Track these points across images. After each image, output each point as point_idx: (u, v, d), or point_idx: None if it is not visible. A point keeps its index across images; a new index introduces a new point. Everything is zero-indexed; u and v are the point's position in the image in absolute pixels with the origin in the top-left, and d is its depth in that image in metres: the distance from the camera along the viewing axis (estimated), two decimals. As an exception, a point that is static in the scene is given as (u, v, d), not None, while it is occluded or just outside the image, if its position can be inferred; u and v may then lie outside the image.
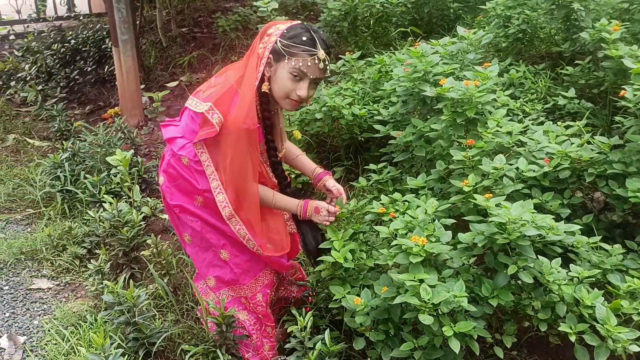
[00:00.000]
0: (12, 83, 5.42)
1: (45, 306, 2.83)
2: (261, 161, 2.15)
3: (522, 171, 2.20)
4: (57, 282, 3.01)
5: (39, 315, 2.76)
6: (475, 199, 1.94)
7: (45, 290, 2.95)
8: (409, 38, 4.26)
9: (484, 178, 2.22)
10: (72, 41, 6.32)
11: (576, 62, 3.14)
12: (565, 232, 1.93)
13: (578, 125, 2.72)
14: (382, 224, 2.23)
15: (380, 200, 2.29)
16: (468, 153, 2.21)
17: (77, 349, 2.42)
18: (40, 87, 5.31)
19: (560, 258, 2.03)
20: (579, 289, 1.92)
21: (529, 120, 2.93)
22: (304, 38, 1.96)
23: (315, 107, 3.30)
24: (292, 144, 2.43)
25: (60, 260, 3.11)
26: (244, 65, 2.07)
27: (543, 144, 2.44)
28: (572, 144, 2.47)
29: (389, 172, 2.78)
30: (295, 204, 2.20)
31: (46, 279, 3.03)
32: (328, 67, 2.06)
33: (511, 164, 2.27)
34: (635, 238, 2.31)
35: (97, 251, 3.02)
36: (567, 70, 3.14)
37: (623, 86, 2.33)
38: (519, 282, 1.99)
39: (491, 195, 1.92)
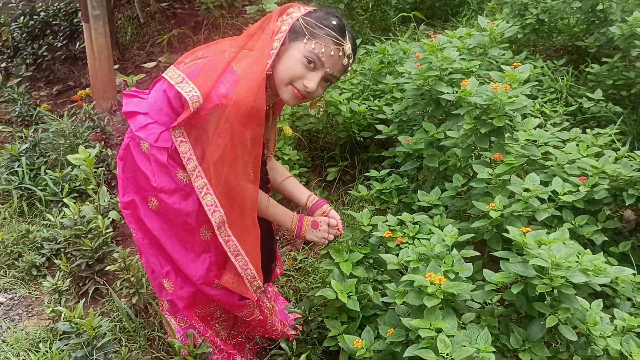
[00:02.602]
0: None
1: (-6, 325, 2.45)
2: None
3: (559, 194, 1.86)
4: (10, 296, 2.63)
5: (-15, 336, 2.39)
6: (507, 232, 1.60)
7: (-4, 305, 2.58)
8: (411, 24, 3.88)
9: (511, 200, 1.88)
10: (42, 13, 5.82)
11: (603, 59, 2.80)
12: (618, 273, 1.61)
13: (609, 134, 2.40)
14: (386, 250, 1.89)
15: (386, 220, 1.94)
16: (494, 170, 1.87)
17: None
18: (3, 65, 4.83)
19: (601, 300, 1.72)
20: (627, 341, 1.61)
21: (550, 124, 2.60)
22: (335, 22, 1.61)
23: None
24: (279, 164, 2.05)
25: (15, 269, 2.72)
26: (244, 42, 1.68)
27: (574, 156, 2.11)
28: (609, 158, 2.15)
29: (393, 182, 2.43)
30: (290, 216, 1.85)
31: (-2, 292, 2.65)
32: (349, 68, 1.71)
33: (543, 184, 1.94)
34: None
35: (56, 261, 2.64)
36: (592, 68, 2.80)
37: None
38: (554, 331, 1.67)
39: (529, 229, 1.58)
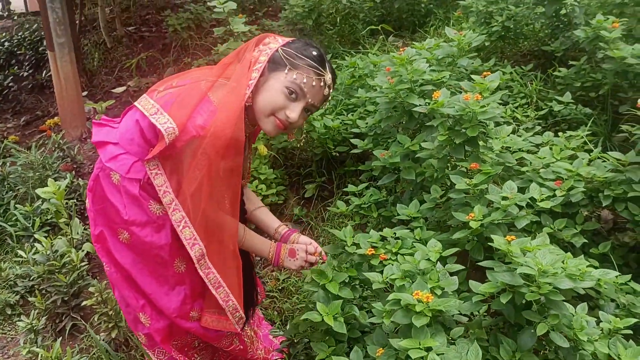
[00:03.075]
0: None
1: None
2: None
3: (536, 201, 1.87)
4: (-12, 338, 2.54)
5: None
6: (489, 241, 1.59)
7: (-30, 349, 2.48)
8: (380, 36, 3.89)
9: (490, 209, 1.88)
10: (6, 43, 5.74)
11: (570, 62, 2.84)
12: (603, 276, 1.61)
13: (581, 136, 2.42)
14: (369, 267, 1.86)
15: (370, 237, 1.92)
16: (472, 180, 1.86)
17: None
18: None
19: (585, 303, 1.72)
20: (614, 343, 1.60)
21: (523, 129, 2.61)
22: (315, 53, 1.61)
23: (282, 118, 2.90)
24: (252, 192, 2.02)
25: (-13, 310, 2.63)
26: (220, 71, 1.66)
27: (548, 161, 2.12)
28: (583, 160, 2.16)
29: (372, 195, 2.41)
30: (267, 246, 1.80)
31: (-29, 335, 2.55)
32: (329, 98, 1.70)
33: (520, 190, 1.94)
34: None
35: (31, 298, 2.55)
36: (559, 71, 2.84)
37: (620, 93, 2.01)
38: (542, 339, 1.65)
39: (514, 237, 1.57)
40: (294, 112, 1.61)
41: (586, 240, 2.00)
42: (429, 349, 1.49)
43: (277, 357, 2.16)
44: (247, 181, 1.94)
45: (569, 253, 1.64)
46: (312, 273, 1.82)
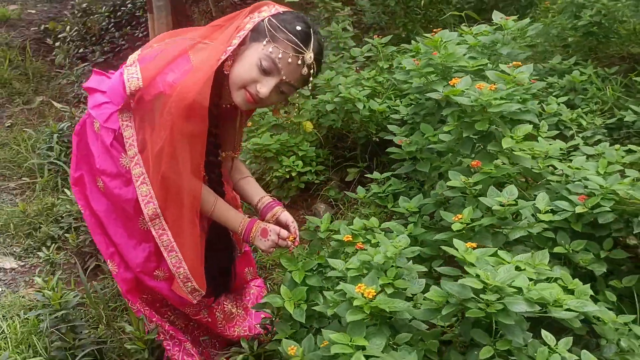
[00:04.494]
0: (57, 44, 5.28)
1: (1, 289, 2.58)
2: None
3: (540, 211, 1.63)
4: (24, 263, 2.77)
5: (-11, 298, 2.52)
6: (453, 246, 1.41)
7: (9, 270, 2.71)
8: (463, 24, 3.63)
9: (487, 214, 1.67)
10: (129, 5, 6.17)
11: (657, 68, 2.44)
12: (579, 309, 1.37)
13: (643, 151, 2.07)
14: (345, 256, 1.75)
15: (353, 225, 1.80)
16: (468, 179, 1.67)
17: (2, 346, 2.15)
18: (81, 50, 5.15)
19: (571, 338, 1.47)
20: (587, 390, 1.36)
21: (581, 137, 2.30)
22: (298, 27, 1.53)
23: (329, 96, 2.81)
24: (242, 163, 1.96)
25: (32, 239, 2.86)
26: (208, 33, 1.64)
27: (583, 174, 1.84)
28: (627, 177, 1.86)
29: (390, 185, 2.27)
30: (239, 219, 1.75)
31: (13, 258, 2.79)
32: (310, 79, 1.60)
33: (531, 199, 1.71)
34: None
35: (67, 234, 2.74)
36: (643, 77, 2.46)
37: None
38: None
39: (475, 245, 1.38)
40: (264, 87, 1.54)
41: (605, 270, 1.71)
42: (363, 348, 1.37)
43: (259, 333, 2.12)
44: (236, 153, 1.89)
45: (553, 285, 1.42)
46: (282, 258, 1.74)
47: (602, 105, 2.55)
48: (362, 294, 1.40)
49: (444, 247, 1.40)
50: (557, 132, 2.32)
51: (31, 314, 2.11)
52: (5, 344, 2.17)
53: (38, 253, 2.53)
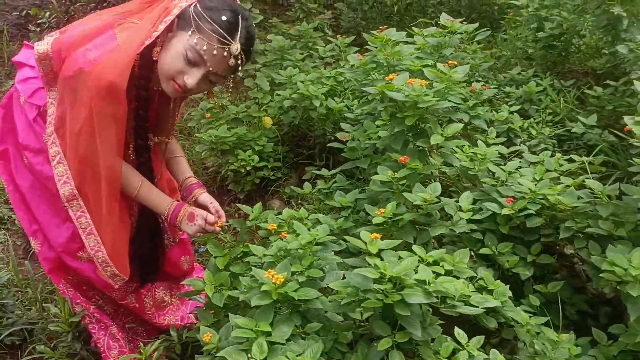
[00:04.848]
0: (34, 27, 5.24)
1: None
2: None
3: (462, 209, 1.63)
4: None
5: None
6: (360, 237, 1.40)
7: (-50, 248, 2.68)
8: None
9: (412, 210, 1.67)
10: (116, -3, 6.15)
11: (607, 82, 2.46)
12: (482, 304, 1.37)
13: (583, 162, 2.08)
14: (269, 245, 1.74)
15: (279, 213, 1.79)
16: (394, 174, 1.67)
17: None
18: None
19: (484, 336, 1.47)
20: (490, 388, 1.36)
21: (527, 145, 2.31)
22: (224, 17, 1.49)
23: (288, 92, 2.81)
24: (176, 143, 1.94)
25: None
26: (138, 9, 1.60)
27: (517, 179, 1.85)
28: (560, 183, 1.87)
29: (335, 182, 2.26)
30: (166, 202, 1.71)
31: (-43, 237, 2.76)
32: (240, 69, 1.58)
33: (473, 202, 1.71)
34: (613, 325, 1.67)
35: (14, 215, 2.72)
36: (595, 91, 2.47)
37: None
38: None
39: (379, 235, 1.37)
40: (191, 78, 1.52)
41: (528, 273, 1.72)
42: (267, 334, 1.36)
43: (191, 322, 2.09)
44: (168, 137, 1.86)
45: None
46: (209, 244, 1.72)
47: (554, 117, 2.57)
48: (272, 280, 1.39)
49: (346, 237, 1.39)
50: (506, 139, 2.33)
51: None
52: None
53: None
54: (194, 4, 1.51)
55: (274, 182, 3.00)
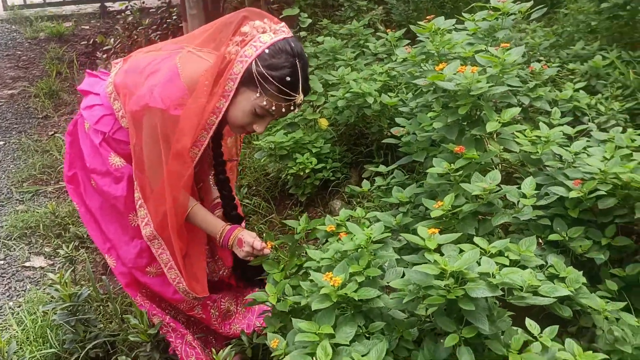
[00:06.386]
0: (102, 56, 5.53)
1: (29, 286, 2.72)
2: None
3: (525, 195, 1.55)
4: (52, 262, 2.90)
5: (18, 295, 2.66)
6: (417, 233, 1.36)
7: (37, 269, 2.86)
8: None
9: (472, 200, 1.61)
10: (175, 17, 6.37)
11: (681, 48, 2.28)
12: (551, 294, 1.29)
13: (658, 135, 1.94)
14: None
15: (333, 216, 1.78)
16: (451, 165, 1.61)
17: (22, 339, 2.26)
18: (123, 61, 5.36)
19: (557, 326, 1.39)
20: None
21: (596, 123, 2.18)
22: (288, 78, 1.55)
23: (341, 92, 2.80)
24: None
25: (61, 239, 2.99)
26: (203, 39, 1.68)
27: (582, 159, 1.74)
28: (633, 160, 1.74)
29: (393, 177, 2.23)
30: (219, 227, 1.76)
31: (43, 257, 2.94)
32: (299, 109, 1.69)
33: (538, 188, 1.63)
34: None
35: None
36: (667, 58, 2.30)
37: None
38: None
39: (437, 230, 1.33)
40: (260, 127, 1.64)
41: (603, 257, 1.61)
42: (331, 336, 1.35)
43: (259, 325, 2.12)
44: (236, 156, 1.94)
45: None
46: (264, 265, 1.74)
47: (624, 90, 2.41)
48: (330, 283, 1.38)
49: (402, 235, 1.35)
50: (572, 118, 2.21)
51: (45, 307, 2.21)
52: (25, 336, 2.28)
53: (58, 251, 2.64)
54: (254, 60, 1.55)
55: (334, 183, 2.99)
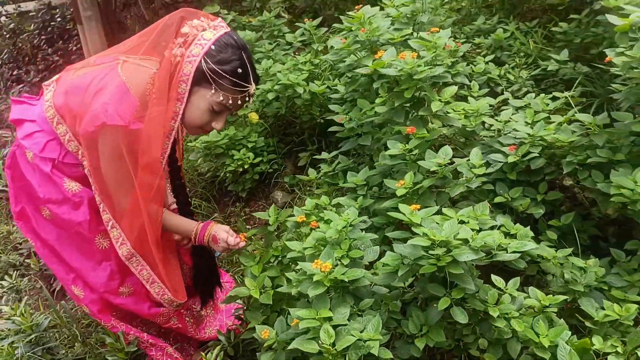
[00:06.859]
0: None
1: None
2: None
3: (475, 166, 1.73)
4: (-7, 295, 2.75)
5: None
6: (400, 211, 1.50)
7: (-23, 304, 2.69)
8: None
9: (429, 176, 1.77)
10: (59, 19, 6.03)
11: (571, 16, 2.58)
12: (520, 249, 1.48)
13: (566, 97, 2.21)
14: (300, 236, 1.83)
15: (303, 204, 1.88)
16: (405, 145, 1.76)
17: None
18: (15, 72, 5.04)
19: (519, 278, 1.60)
20: (537, 322, 1.48)
21: (510, 91, 2.43)
22: (240, 70, 1.58)
23: (269, 85, 2.86)
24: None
25: (-7, 270, 2.83)
26: (136, 45, 1.65)
27: (512, 126, 1.96)
28: (552, 123, 1.99)
29: (339, 163, 2.35)
30: (192, 226, 1.79)
31: (-21, 292, 2.77)
32: (253, 99, 1.69)
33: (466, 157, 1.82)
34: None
35: (28, 260, 2.73)
36: (560, 27, 2.59)
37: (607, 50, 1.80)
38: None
39: (418, 206, 1.48)
40: (219, 123, 1.66)
41: (542, 210, 1.84)
42: (328, 319, 1.45)
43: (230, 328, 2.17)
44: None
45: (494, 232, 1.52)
46: (240, 257, 1.80)
47: (527, 59, 2.68)
48: (320, 269, 1.48)
49: (390, 213, 1.48)
50: (488, 89, 2.44)
51: (4, 342, 2.12)
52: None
53: (1, 282, 2.51)
54: (202, 59, 1.56)
55: (272, 174, 3.06)
